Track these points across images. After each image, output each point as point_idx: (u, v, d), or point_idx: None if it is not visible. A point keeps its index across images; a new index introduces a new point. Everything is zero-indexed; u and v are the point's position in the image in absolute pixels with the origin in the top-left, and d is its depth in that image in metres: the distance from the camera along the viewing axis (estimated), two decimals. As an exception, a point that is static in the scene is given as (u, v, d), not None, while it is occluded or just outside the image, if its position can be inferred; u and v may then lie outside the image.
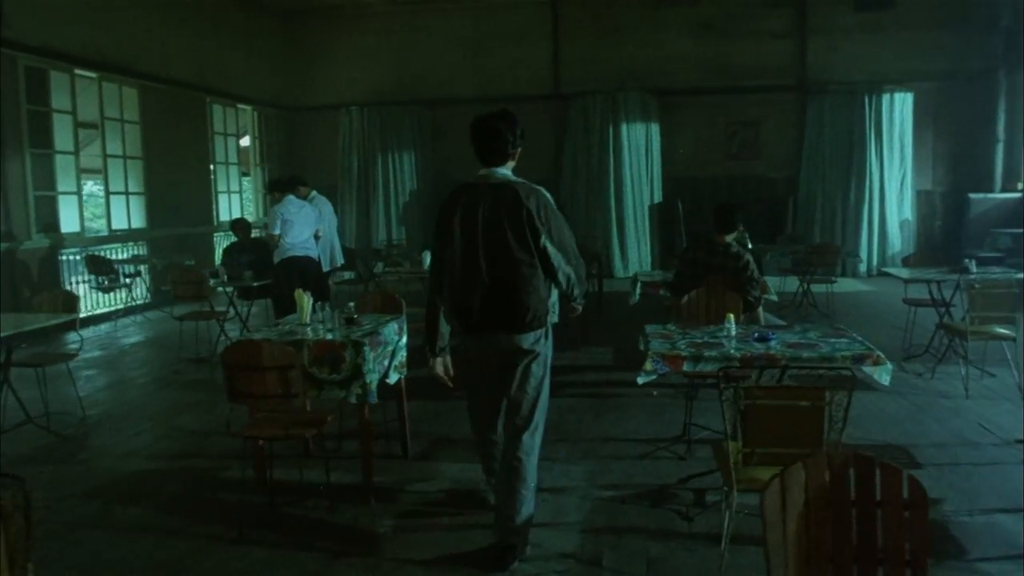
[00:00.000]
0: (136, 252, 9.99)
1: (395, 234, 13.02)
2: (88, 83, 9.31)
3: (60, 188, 8.75)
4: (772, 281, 6.77)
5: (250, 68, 12.71)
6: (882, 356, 3.15)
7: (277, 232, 6.67)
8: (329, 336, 3.63)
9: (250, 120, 13.08)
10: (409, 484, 3.86)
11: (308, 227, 6.84)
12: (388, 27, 13.53)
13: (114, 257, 9.40)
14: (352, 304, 4.01)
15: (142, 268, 9.46)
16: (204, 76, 11.42)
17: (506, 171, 3.11)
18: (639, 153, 12.31)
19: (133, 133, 9.99)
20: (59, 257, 8.69)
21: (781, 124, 12.58)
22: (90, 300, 8.99)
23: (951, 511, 3.38)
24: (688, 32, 12.64)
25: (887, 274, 7.83)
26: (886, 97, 11.41)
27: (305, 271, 6.79)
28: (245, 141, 13.52)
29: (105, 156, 9.45)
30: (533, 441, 3.04)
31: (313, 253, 6.92)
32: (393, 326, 3.93)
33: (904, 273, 5.95)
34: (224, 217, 12.18)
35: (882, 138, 11.41)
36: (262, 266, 7.06)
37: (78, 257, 9.09)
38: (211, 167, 11.72)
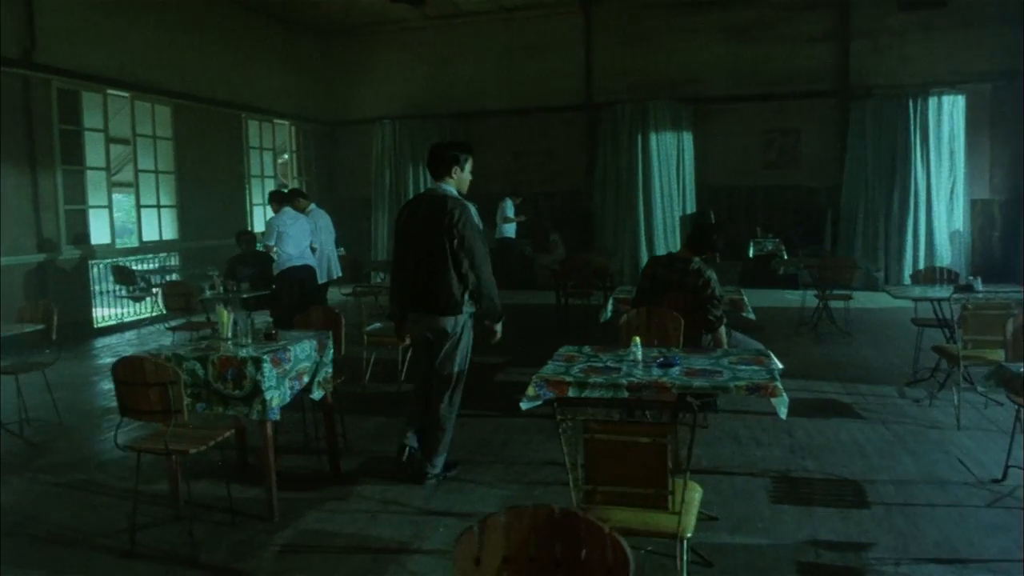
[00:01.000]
0: (169, 263, 10.41)
1: (425, 246, 13.07)
2: (122, 102, 9.77)
3: (91, 202, 9.20)
4: (768, 296, 6.40)
5: (288, 85, 13.09)
6: (779, 388, 2.87)
7: (272, 243, 6.79)
8: (242, 352, 3.61)
9: (287, 135, 13.45)
10: (322, 503, 3.79)
11: (304, 239, 6.94)
12: (423, 42, 13.71)
13: (145, 268, 9.81)
14: (271, 320, 4.00)
15: (169, 278, 9.81)
16: (240, 94, 11.83)
17: (448, 186, 3.98)
18: (670, 163, 11.97)
19: (166, 149, 10.43)
20: (89, 267, 9.13)
21: (821, 132, 11.99)
22: (118, 309, 9.40)
23: (875, 559, 3.06)
24: (722, 38, 12.25)
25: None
26: (933, 100, 10.69)
27: (304, 281, 6.89)
28: (285, 156, 13.92)
29: (136, 171, 9.90)
30: (451, 400, 3.97)
31: (312, 264, 7.01)
32: (310, 343, 3.89)
33: (901, 291, 5.49)
34: (259, 229, 12.53)
35: (929, 144, 10.70)
36: (263, 278, 7.21)
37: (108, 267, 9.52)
38: (245, 181, 12.09)
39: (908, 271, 10.76)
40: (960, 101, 10.69)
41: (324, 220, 7.57)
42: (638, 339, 3.31)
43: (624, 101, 12.20)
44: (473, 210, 3.91)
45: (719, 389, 2.88)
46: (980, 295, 5.13)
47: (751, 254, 11.57)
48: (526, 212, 12.48)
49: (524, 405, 3.08)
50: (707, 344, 4.82)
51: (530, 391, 3.06)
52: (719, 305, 4.65)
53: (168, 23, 10.27)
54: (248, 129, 12.18)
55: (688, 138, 12.18)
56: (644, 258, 11.88)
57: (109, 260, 9.45)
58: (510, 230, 12.11)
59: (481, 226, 3.93)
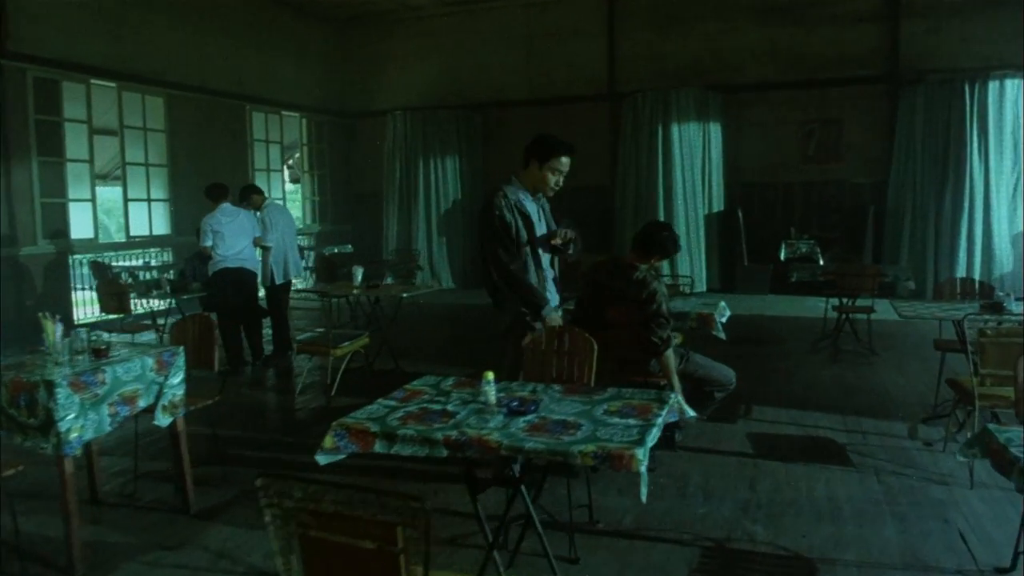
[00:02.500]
0: (162, 259, 10.09)
1: (435, 244, 12.46)
2: (110, 92, 9.45)
3: (72, 195, 8.91)
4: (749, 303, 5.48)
5: (300, 75, 12.65)
6: (637, 458, 2.03)
7: (208, 244, 6.26)
8: (35, 375, 2.99)
9: (298, 127, 13.03)
10: (147, 551, 3.15)
11: (242, 238, 6.37)
12: (441, 30, 13.06)
13: (131, 264, 9.49)
14: (106, 335, 3.38)
15: (151, 275, 9.47)
16: (244, 84, 11.43)
17: (515, 178, 3.69)
18: (694, 157, 10.97)
19: (158, 141, 10.09)
20: (69, 263, 8.84)
21: (867, 122, 10.78)
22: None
23: None
24: (758, 20, 11.15)
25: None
26: (994, 86, 9.39)
27: (240, 284, 6.33)
28: (296, 155, 13.51)
29: (124, 163, 9.58)
30: None
31: (250, 265, 6.44)
32: (143, 362, 3.26)
33: (909, 308, 4.47)
34: (263, 224, 12.15)
35: (988, 135, 9.40)
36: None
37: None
38: (249, 175, 11.70)
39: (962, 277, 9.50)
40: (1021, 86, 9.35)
41: (282, 217, 6.99)
42: (490, 375, 2.52)
43: (647, 90, 11.26)
44: (489, 200, 3.55)
45: (557, 454, 2.08)
46: (1011, 317, 4.10)
47: (783, 257, 10.48)
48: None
49: (321, 459, 2.35)
50: (655, 370, 3.99)
51: (327, 441, 2.33)
52: (666, 324, 3.81)
53: (163, 9, 9.90)
54: (252, 121, 11.78)
55: (716, 129, 11.15)
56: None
57: (91, 255, 9.15)
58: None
59: (505, 216, 3.45)
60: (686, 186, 10.93)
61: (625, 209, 11.43)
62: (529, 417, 2.36)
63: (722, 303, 5.02)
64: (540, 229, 3.60)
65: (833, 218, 10.84)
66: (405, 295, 5.75)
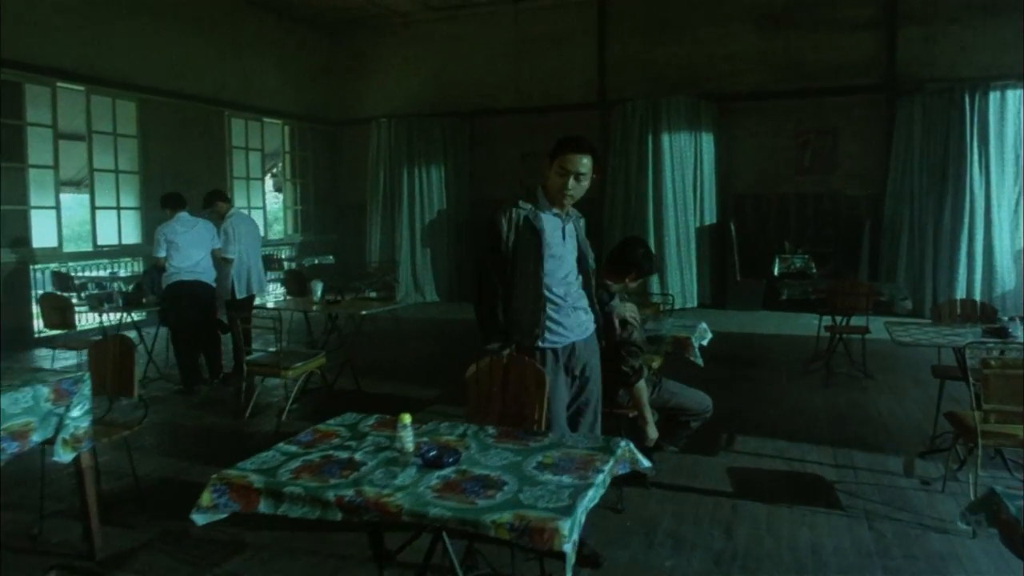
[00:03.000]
0: (134, 269, 9.72)
1: (419, 255, 12.10)
2: (78, 95, 9.11)
3: (35, 202, 8.55)
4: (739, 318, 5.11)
5: (282, 81, 12.33)
6: (561, 532, 1.64)
7: (162, 255, 5.89)
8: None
9: (280, 135, 12.70)
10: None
11: (199, 249, 6.01)
12: (427, 36, 12.76)
13: (97, 274, 9.12)
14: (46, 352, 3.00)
15: (116, 286, 9.09)
16: (223, 89, 11.11)
17: (541, 187, 3.06)
18: (685, 167, 10.62)
19: (129, 147, 9.75)
20: (31, 272, 8.46)
21: (863, 132, 10.44)
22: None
23: None
24: (752, 27, 10.84)
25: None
26: (995, 96, 9.05)
27: (196, 298, 5.95)
28: (277, 167, 13.17)
29: (91, 170, 9.22)
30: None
31: (207, 278, 6.07)
32: (34, 391, 2.88)
33: (903, 331, 4.09)
34: (241, 234, 11.80)
35: (989, 147, 9.05)
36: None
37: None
38: (228, 183, 11.35)
39: (961, 295, 9.12)
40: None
41: (247, 227, 6.61)
42: (407, 418, 2.14)
43: (638, 98, 10.93)
44: (514, 207, 2.92)
45: (467, 524, 1.69)
46: (1015, 344, 3.73)
47: (776, 272, 10.11)
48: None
49: (198, 519, 1.97)
50: (625, 402, 3.61)
51: (205, 498, 1.95)
52: (637, 353, 3.44)
53: (137, 10, 9.58)
54: (232, 128, 11.44)
55: (708, 139, 10.81)
56: (654, 276, 10.57)
57: (55, 265, 8.78)
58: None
59: (499, 227, 2.91)
60: (677, 197, 10.58)
61: (614, 221, 11.08)
62: (446, 471, 1.98)
63: (702, 324, 4.64)
64: (561, 249, 2.97)
65: (828, 232, 10.48)
66: (364, 312, 5.36)
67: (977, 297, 9.05)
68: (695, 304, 10.66)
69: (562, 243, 2.98)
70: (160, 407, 5.68)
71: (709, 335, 4.66)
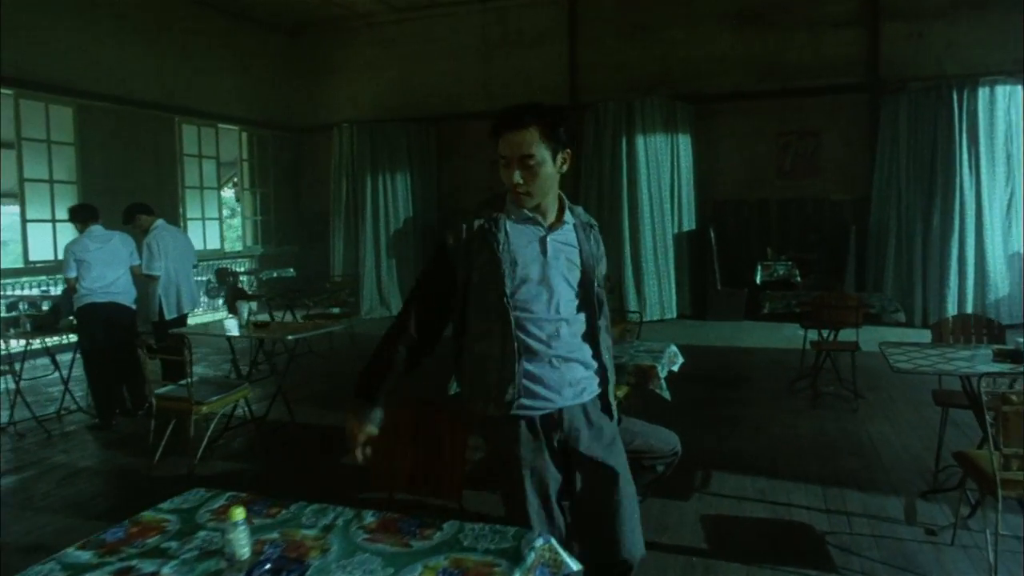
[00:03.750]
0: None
1: (384, 267, 11.48)
2: (5, 100, 8.45)
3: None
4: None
5: (239, 86, 11.72)
6: None
7: (72, 275, 5.26)
8: None
9: (237, 142, 12.06)
10: None
11: (114, 267, 5.37)
12: (393, 38, 12.21)
13: (29, 293, 8.44)
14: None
15: (24, 307, 8.40)
16: (173, 95, 10.47)
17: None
18: (661, 172, 10.09)
19: (66, 155, 9.09)
20: (-49, 293, 7.79)
21: (847, 134, 9.97)
22: None
23: None
24: (729, 25, 10.36)
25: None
26: (984, 92, 8.58)
27: (111, 321, 5.31)
28: (234, 180, 12.52)
29: (21, 180, 8.54)
30: None
31: (124, 299, 5.43)
32: None
33: (902, 354, 3.53)
34: (196, 245, 11.11)
35: (979, 146, 8.58)
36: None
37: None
38: (179, 194, 10.70)
39: (952, 305, 8.65)
40: (1018, 93, 8.56)
41: (176, 241, 5.99)
42: (239, 513, 1.54)
43: (610, 100, 10.40)
44: (473, 214, 2.06)
45: None
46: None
47: (759, 280, 9.59)
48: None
49: None
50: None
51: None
52: None
53: (77, 12, 8.96)
54: (183, 135, 10.79)
55: (686, 142, 10.29)
56: (630, 284, 10.04)
57: (-12, 283, 8.10)
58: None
59: (447, 245, 2.08)
60: (653, 203, 10.05)
61: (588, 229, 10.50)
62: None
63: (671, 348, 4.06)
64: (539, 270, 2.03)
65: (812, 238, 9.98)
66: (291, 337, 4.74)
67: (970, 304, 8.60)
68: (674, 315, 10.12)
69: (541, 260, 2.04)
70: (69, 445, 5.04)
71: (680, 360, 4.08)
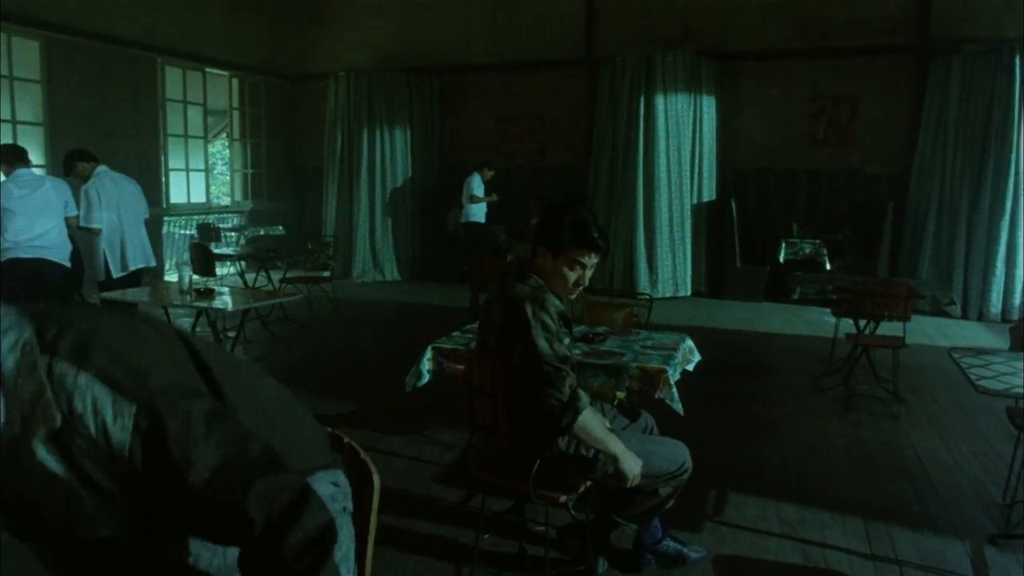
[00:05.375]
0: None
1: (379, 227, 10.73)
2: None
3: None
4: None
5: (230, 28, 10.85)
6: None
7: (-8, 225, 4.55)
8: None
9: (227, 88, 11.25)
10: None
11: (44, 217, 4.66)
12: (397, -21, 11.28)
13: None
14: None
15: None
16: (155, 33, 9.63)
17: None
18: (682, 135, 9.22)
19: (31, 93, 8.34)
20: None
21: (888, 99, 9.05)
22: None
23: None
24: (764, -26, 9.39)
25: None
26: (1049, 57, 7.64)
27: (40, 279, 4.61)
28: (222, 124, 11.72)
29: (-22, 119, 7.82)
30: None
31: (55, 255, 4.73)
32: None
33: (991, 375, 2.76)
34: (176, 199, 10.43)
35: (1040, 118, 7.67)
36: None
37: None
38: (160, 142, 9.94)
39: (997, 295, 7.82)
40: (1091, 58, 7.61)
41: (121, 189, 5.27)
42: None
43: (629, 54, 9.48)
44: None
45: None
46: None
47: (782, 258, 8.80)
48: (507, 189, 10.03)
49: None
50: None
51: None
52: (556, 375, 2.15)
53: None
54: (166, 77, 10.00)
55: (709, 103, 9.40)
56: (642, 258, 9.26)
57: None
58: (479, 212, 9.68)
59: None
60: (671, 170, 9.20)
61: (597, 196, 9.71)
62: None
63: (687, 343, 3.31)
64: None
65: (843, 214, 9.12)
66: (232, 308, 4.03)
67: (1017, 295, 7.77)
68: (688, 293, 9.34)
69: None
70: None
71: (696, 357, 3.34)
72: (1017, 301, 7.74)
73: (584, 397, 2.25)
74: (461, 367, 2.95)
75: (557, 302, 2.39)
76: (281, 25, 11.67)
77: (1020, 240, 7.77)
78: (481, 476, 2.47)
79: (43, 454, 0.95)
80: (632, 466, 2.28)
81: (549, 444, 2.33)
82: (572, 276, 2.36)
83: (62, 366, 0.91)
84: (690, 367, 3.28)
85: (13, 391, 0.91)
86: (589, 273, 2.38)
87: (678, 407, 2.86)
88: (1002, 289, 7.81)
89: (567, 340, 2.36)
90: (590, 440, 2.29)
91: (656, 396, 2.84)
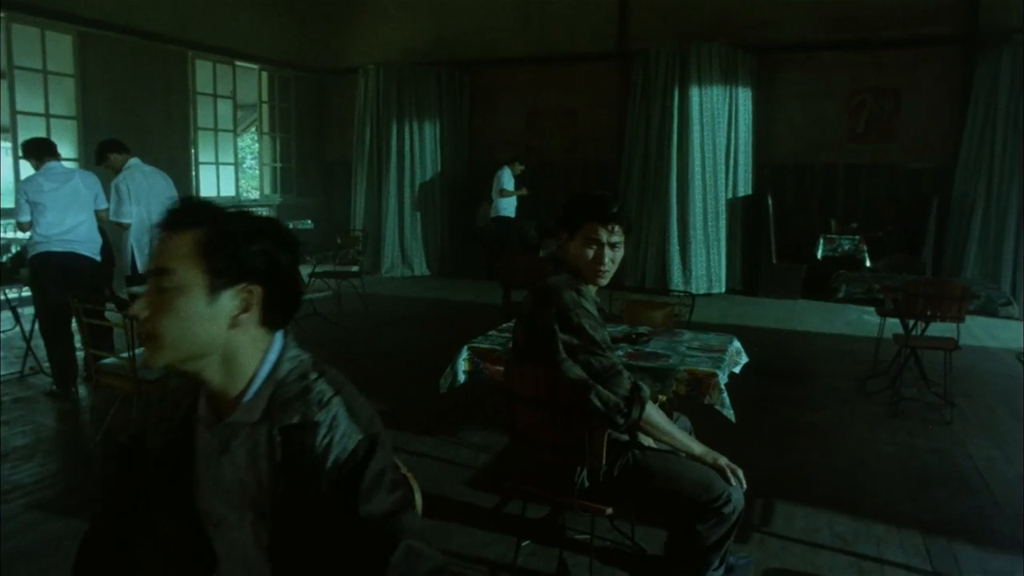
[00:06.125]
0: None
1: (408, 222, 10.66)
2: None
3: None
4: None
5: (260, 22, 10.85)
6: None
7: (25, 219, 4.52)
8: None
9: (257, 82, 11.24)
10: None
11: (75, 211, 4.62)
12: (428, -27, 11.18)
13: (18, 236, 7.82)
14: None
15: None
16: (187, 28, 9.64)
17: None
18: (717, 129, 9.01)
19: (64, 88, 8.38)
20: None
21: (931, 93, 8.76)
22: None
23: None
24: (803, -37, 9.12)
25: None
26: (1108, 47, 7.31)
27: (70, 274, 4.58)
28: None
29: (14, 112, 7.85)
30: None
31: (85, 248, 4.68)
32: None
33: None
34: (207, 192, 10.44)
35: (1095, 111, 7.35)
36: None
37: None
38: (191, 135, 9.96)
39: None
40: None
41: (152, 183, 5.22)
42: None
43: (663, 47, 9.28)
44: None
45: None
46: None
47: (819, 255, 8.56)
48: (537, 185, 9.89)
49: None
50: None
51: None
52: (616, 374, 2.03)
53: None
54: (197, 71, 10.01)
55: (745, 97, 9.17)
56: (675, 254, 9.07)
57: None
58: (509, 207, 9.55)
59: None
60: (706, 164, 8.99)
61: (630, 191, 9.53)
62: None
63: (735, 344, 3.16)
64: None
65: (884, 211, 8.83)
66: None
67: (1069, 296, 7.44)
68: (722, 290, 9.13)
69: None
70: (19, 413, 4.36)
71: (743, 359, 3.18)
72: (1070, 302, 7.43)
73: (646, 387, 2.12)
74: (499, 368, 2.83)
75: (594, 296, 2.28)
76: (311, 19, 11.64)
77: (1073, 239, 7.46)
78: (522, 487, 2.34)
79: (261, 444, 1.14)
80: (706, 452, 2.17)
81: (596, 452, 2.19)
82: (590, 253, 2.21)
83: (323, 385, 1.16)
84: (736, 369, 3.13)
85: (280, 388, 1.14)
86: (611, 253, 2.22)
87: (730, 414, 2.71)
88: (1051, 290, 7.51)
89: (606, 334, 2.24)
90: (657, 434, 2.16)
91: (705, 402, 2.69)
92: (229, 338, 1.12)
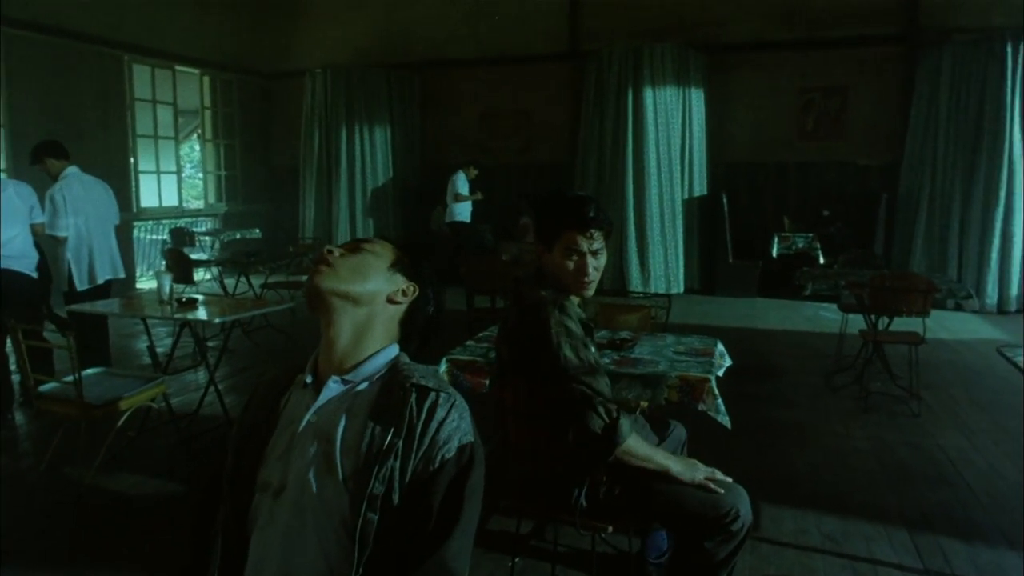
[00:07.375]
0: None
1: (360, 229, 10.41)
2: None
3: None
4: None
5: (201, 24, 10.45)
6: None
7: (-51, 231, 4.18)
8: None
9: (198, 87, 10.84)
10: None
11: (6, 225, 4.28)
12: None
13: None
14: None
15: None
16: (120, 30, 9.20)
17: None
18: (671, 129, 9.03)
19: (-11, 93, 7.90)
20: None
21: (879, 91, 8.96)
22: None
23: None
24: (751, -36, 9.24)
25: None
26: (1041, 46, 7.58)
27: (6, 291, 4.25)
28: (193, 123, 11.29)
29: (-69, 120, 7.37)
30: None
31: (21, 265, 4.36)
32: None
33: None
34: (147, 203, 10.01)
35: (1033, 107, 7.61)
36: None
37: None
38: (129, 141, 9.51)
39: (993, 287, 7.76)
40: (1081, 47, 7.56)
41: (90, 194, 4.92)
42: None
43: (616, 48, 9.27)
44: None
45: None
46: None
47: (775, 253, 8.67)
48: (493, 188, 9.75)
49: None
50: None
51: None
52: (593, 399, 1.92)
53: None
54: (134, 76, 9.57)
55: (698, 97, 9.23)
56: (633, 254, 9.06)
57: None
58: (464, 212, 9.39)
59: None
60: (661, 164, 9.00)
61: (586, 191, 9.45)
62: None
63: (718, 346, 3.09)
64: None
65: (834, 207, 9.00)
66: (217, 320, 3.73)
67: (1014, 285, 7.71)
68: (681, 289, 9.16)
69: None
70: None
71: (727, 362, 3.12)
72: (1014, 292, 7.68)
73: (625, 425, 1.97)
74: (482, 380, 2.69)
75: (578, 308, 2.15)
76: (254, 20, 11.30)
77: (1016, 230, 7.70)
78: (513, 504, 2.21)
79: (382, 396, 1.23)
80: (684, 470, 2.04)
81: (591, 469, 2.07)
82: (571, 265, 2.08)
83: (434, 396, 1.21)
84: (720, 373, 3.05)
85: (380, 393, 1.22)
86: (595, 262, 2.09)
87: (725, 420, 2.62)
88: (997, 281, 7.74)
89: (592, 348, 2.10)
90: (636, 463, 2.04)
91: (699, 408, 2.60)
92: (380, 307, 1.29)
